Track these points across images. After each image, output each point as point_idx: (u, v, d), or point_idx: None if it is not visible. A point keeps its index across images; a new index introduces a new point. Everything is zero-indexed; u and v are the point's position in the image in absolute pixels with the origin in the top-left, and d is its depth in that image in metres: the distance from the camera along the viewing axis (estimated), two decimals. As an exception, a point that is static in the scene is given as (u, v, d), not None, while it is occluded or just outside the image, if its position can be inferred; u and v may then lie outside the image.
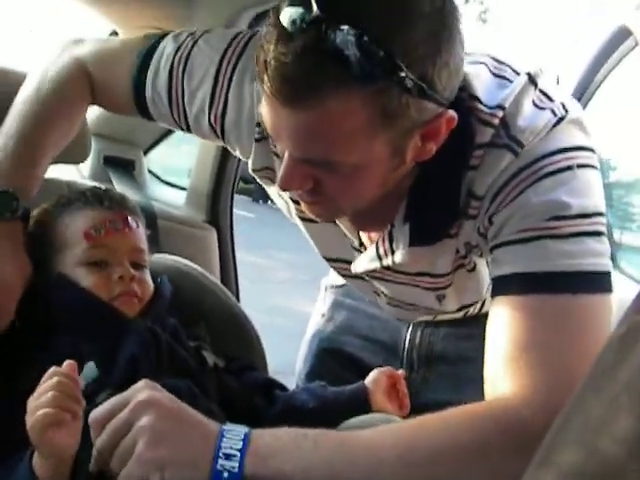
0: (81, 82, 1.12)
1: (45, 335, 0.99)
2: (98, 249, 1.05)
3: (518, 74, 0.91)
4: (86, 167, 1.86)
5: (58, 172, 1.53)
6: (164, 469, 0.72)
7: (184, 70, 1.04)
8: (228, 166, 1.84)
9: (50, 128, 1.09)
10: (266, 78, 0.77)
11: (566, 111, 0.88)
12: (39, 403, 0.78)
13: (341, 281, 1.36)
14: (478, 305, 1.19)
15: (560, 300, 0.82)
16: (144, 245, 1.11)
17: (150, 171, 2.05)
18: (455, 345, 1.24)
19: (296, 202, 1.02)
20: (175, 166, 2.72)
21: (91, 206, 1.09)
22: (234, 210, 1.94)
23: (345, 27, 0.72)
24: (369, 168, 0.83)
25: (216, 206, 1.88)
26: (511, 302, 0.84)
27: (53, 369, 0.81)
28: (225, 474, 0.73)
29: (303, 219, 1.07)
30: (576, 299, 0.82)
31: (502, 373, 0.81)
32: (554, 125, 0.86)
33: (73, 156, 1.51)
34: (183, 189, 2.04)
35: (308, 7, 0.73)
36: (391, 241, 0.95)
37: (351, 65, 0.73)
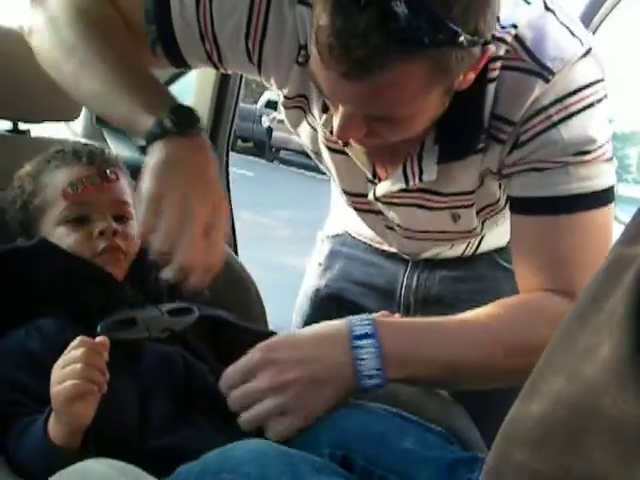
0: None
1: (25, 310, 0.96)
2: (77, 206, 1.02)
3: None
4: (79, 125, 1.84)
5: (49, 131, 1.51)
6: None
7: None
8: (223, 119, 1.80)
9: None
10: (325, 52, 0.78)
11: (590, 44, 0.92)
12: (65, 373, 0.78)
13: (337, 230, 1.36)
14: (475, 244, 1.20)
15: (577, 217, 0.94)
16: (127, 197, 1.07)
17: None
18: (451, 288, 1.24)
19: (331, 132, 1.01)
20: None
21: (68, 163, 1.06)
22: (233, 169, 1.92)
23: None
24: (424, 112, 0.87)
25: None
26: (532, 221, 0.96)
27: (80, 339, 0.80)
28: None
29: (330, 149, 1.07)
30: (589, 214, 0.94)
31: (533, 277, 0.97)
32: (582, 56, 0.90)
33: (64, 113, 1.47)
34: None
35: None
36: (420, 160, 0.98)
37: (416, 40, 0.74)
